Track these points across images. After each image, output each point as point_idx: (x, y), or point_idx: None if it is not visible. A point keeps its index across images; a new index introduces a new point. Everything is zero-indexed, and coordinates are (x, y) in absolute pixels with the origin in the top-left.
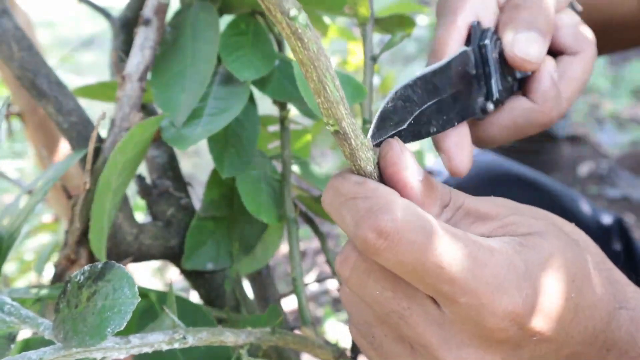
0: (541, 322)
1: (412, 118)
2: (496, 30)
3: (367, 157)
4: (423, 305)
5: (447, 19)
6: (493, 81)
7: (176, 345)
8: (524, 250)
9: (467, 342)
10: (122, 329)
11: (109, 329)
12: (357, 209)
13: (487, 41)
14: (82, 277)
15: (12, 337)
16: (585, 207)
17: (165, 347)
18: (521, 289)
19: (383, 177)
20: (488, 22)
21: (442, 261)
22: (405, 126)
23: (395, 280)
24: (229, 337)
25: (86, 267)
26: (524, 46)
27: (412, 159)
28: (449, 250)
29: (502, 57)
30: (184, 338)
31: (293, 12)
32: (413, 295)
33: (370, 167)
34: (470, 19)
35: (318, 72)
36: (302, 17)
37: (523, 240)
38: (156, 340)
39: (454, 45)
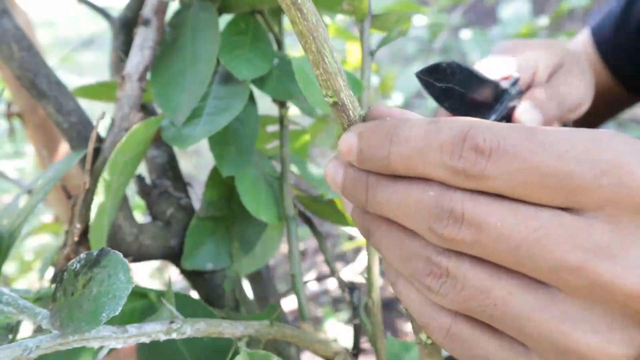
0: None
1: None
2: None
3: None
4: (529, 287)
5: (507, 52)
6: (492, 117)
7: (174, 336)
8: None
9: (596, 322)
10: (116, 314)
11: (103, 315)
12: (430, 142)
13: (512, 91)
14: (78, 265)
15: (10, 327)
16: None
17: (162, 337)
18: None
19: None
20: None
21: (563, 156)
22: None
23: (492, 267)
24: (226, 329)
25: (82, 255)
26: (527, 117)
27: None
28: (566, 140)
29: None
30: (182, 328)
31: None
32: (516, 278)
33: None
34: (521, 63)
35: (317, 42)
36: None
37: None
38: (153, 330)
39: (498, 72)
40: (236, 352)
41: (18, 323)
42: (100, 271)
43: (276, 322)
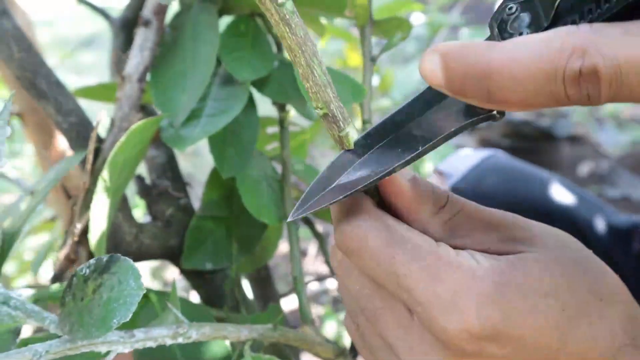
0: (509, 348)
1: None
2: None
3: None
4: (395, 308)
5: None
6: None
7: (180, 340)
8: (507, 270)
9: (428, 351)
10: (127, 320)
11: (114, 320)
12: (334, 212)
13: None
14: (87, 271)
15: (18, 331)
16: (601, 209)
17: (169, 342)
18: (482, 310)
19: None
20: None
21: (398, 271)
22: None
23: (372, 280)
24: (231, 333)
25: (92, 261)
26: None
27: None
28: (406, 262)
29: None
30: (188, 333)
31: None
32: (387, 297)
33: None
34: None
35: (305, 56)
36: (290, 4)
37: (514, 260)
38: (160, 334)
39: None
40: (240, 356)
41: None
42: (111, 277)
43: (279, 325)
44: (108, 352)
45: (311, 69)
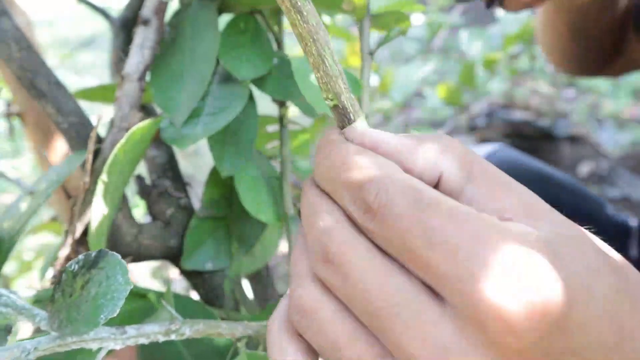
0: (575, 340)
1: None
2: None
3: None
4: (417, 300)
5: None
6: None
7: (172, 337)
8: (565, 241)
9: (469, 354)
10: (115, 315)
11: (102, 316)
12: (350, 181)
13: None
14: (76, 266)
15: (8, 329)
16: (606, 208)
17: (161, 338)
18: (547, 286)
19: None
20: None
21: (434, 237)
22: None
23: (388, 261)
24: (225, 330)
25: (80, 256)
26: None
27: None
28: (444, 225)
29: None
30: (181, 329)
31: None
32: (406, 287)
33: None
34: None
35: (317, 45)
36: None
37: (567, 233)
38: (152, 331)
39: None
40: (236, 353)
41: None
42: (99, 272)
43: None
44: (99, 349)
45: (322, 59)
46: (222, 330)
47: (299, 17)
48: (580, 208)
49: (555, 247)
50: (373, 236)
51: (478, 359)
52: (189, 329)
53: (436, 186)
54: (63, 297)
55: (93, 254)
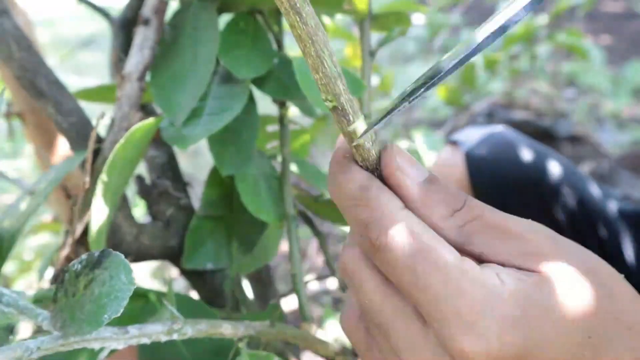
0: None
1: None
2: None
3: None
4: (408, 321)
5: None
6: None
7: (174, 337)
8: (533, 293)
9: None
10: (118, 315)
11: (105, 316)
12: (357, 218)
13: None
14: (79, 266)
15: (10, 328)
16: (610, 195)
17: (163, 338)
18: (505, 333)
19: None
20: None
21: (419, 283)
22: None
23: (386, 290)
24: (227, 329)
25: (83, 256)
26: None
27: (407, 159)
28: (428, 273)
29: None
30: (183, 329)
31: None
32: (400, 309)
33: (368, 144)
34: None
35: (316, 47)
36: None
37: (539, 282)
38: (154, 330)
39: None
40: (237, 353)
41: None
42: (102, 272)
43: (277, 322)
44: (102, 349)
45: (321, 60)
46: (224, 329)
47: (298, 19)
48: (577, 190)
49: (522, 300)
50: (378, 264)
51: None
52: (191, 329)
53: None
54: (66, 297)
55: (96, 254)
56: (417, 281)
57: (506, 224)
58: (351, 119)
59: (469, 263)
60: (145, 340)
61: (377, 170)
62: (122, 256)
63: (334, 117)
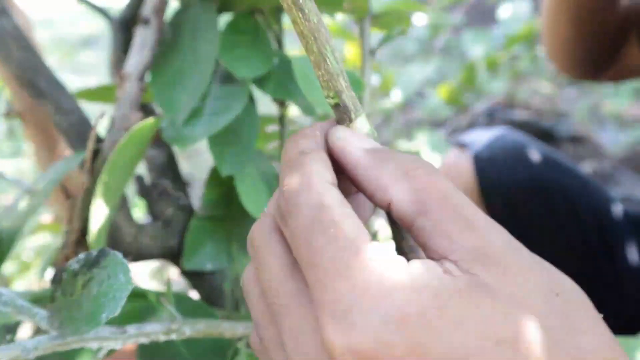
0: None
1: None
2: None
3: (367, 132)
4: (301, 307)
5: None
6: None
7: (173, 336)
8: (458, 293)
9: None
10: (116, 314)
11: (103, 315)
12: (282, 181)
13: None
14: (77, 265)
15: (8, 328)
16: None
17: (162, 338)
18: (386, 332)
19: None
20: None
21: (311, 255)
22: None
23: (294, 266)
24: (226, 329)
25: (81, 255)
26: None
27: (352, 132)
28: (321, 249)
29: None
30: (181, 329)
31: None
32: (296, 292)
33: None
34: None
35: (318, 43)
36: None
37: (471, 281)
38: (153, 330)
39: None
40: (236, 353)
41: (17, 323)
42: (100, 272)
43: None
44: (99, 349)
45: (324, 57)
46: (223, 329)
47: (300, 15)
48: (584, 194)
49: (437, 299)
50: (286, 236)
51: None
52: (189, 329)
53: (389, 210)
54: (64, 296)
55: (94, 253)
56: (309, 255)
57: (468, 210)
58: (353, 116)
59: (375, 245)
60: (144, 340)
61: None
62: (120, 255)
63: (336, 114)
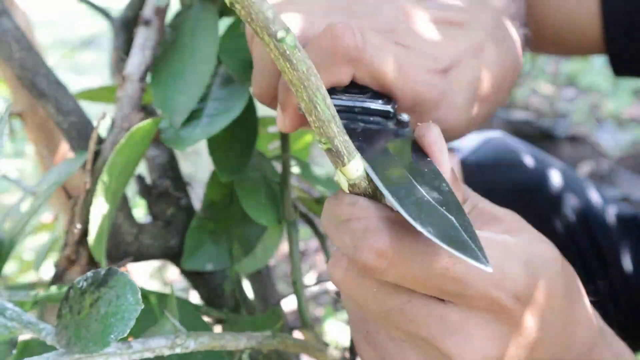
0: (535, 319)
1: None
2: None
3: (360, 174)
4: (424, 298)
5: None
6: None
7: (177, 350)
8: (531, 246)
9: (473, 333)
10: (125, 335)
11: (112, 336)
12: (352, 232)
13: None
14: (84, 283)
15: (14, 343)
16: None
17: (167, 352)
18: (523, 275)
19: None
20: None
21: (446, 266)
22: None
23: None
24: (229, 342)
25: (89, 274)
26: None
27: (445, 145)
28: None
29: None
30: (186, 343)
31: (281, 34)
32: (413, 292)
33: (364, 183)
34: None
35: (308, 92)
36: (290, 39)
37: (529, 238)
38: (158, 345)
39: None
40: None
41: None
42: (108, 291)
43: (278, 332)
44: None
45: (314, 104)
46: (226, 342)
47: (288, 65)
48: (572, 198)
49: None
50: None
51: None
52: (194, 342)
53: None
54: (71, 314)
55: (102, 272)
56: (441, 266)
57: (491, 210)
58: (345, 160)
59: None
60: (149, 355)
61: (368, 191)
62: (129, 275)
63: (329, 158)
